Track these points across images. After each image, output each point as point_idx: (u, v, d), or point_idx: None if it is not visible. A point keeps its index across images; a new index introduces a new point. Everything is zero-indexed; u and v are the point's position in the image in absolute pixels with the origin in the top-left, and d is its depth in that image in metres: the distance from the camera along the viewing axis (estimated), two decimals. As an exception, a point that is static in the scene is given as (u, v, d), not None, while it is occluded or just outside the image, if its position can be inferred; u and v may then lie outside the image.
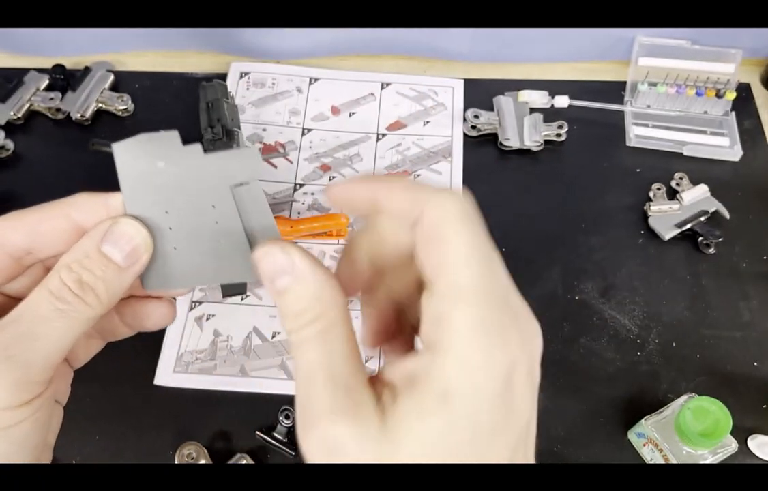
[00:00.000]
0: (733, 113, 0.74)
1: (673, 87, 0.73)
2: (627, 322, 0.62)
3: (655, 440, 0.52)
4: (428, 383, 0.20)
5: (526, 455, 0.22)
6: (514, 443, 0.21)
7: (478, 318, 0.20)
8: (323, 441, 0.21)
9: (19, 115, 0.74)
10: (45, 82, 0.76)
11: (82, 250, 0.25)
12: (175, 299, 0.30)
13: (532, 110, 0.74)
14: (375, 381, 0.23)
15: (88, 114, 0.74)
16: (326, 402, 0.21)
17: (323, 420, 0.21)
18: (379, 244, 0.25)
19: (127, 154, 0.27)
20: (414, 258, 0.23)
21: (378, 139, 0.74)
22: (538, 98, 0.75)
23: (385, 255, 0.25)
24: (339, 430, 0.21)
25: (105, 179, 0.80)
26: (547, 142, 0.73)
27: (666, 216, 0.67)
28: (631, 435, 0.56)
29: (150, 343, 0.61)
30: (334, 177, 0.71)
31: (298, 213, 0.69)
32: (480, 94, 0.77)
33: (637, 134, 0.73)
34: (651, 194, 0.69)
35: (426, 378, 0.20)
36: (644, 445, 0.55)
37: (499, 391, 0.20)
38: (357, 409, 0.21)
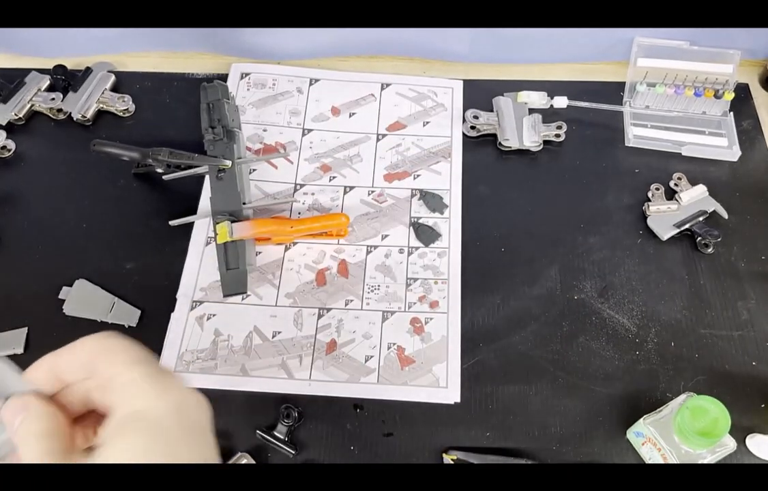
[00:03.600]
0: (732, 114, 0.74)
1: (672, 87, 0.73)
2: (626, 322, 0.63)
3: (654, 439, 0.53)
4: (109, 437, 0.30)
5: None
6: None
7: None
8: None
9: (21, 116, 0.74)
10: (46, 83, 0.76)
11: None
12: None
13: (531, 111, 0.75)
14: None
15: (89, 114, 0.74)
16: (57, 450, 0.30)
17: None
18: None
19: None
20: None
21: (378, 140, 0.74)
22: (537, 99, 0.75)
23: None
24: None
25: (105, 179, 0.81)
26: (546, 142, 0.73)
27: (664, 216, 0.67)
28: (630, 435, 0.56)
29: (151, 343, 0.61)
30: (334, 177, 0.71)
31: (299, 213, 0.69)
32: (479, 94, 0.77)
33: (636, 134, 0.73)
34: (650, 194, 0.69)
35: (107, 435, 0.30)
36: (643, 444, 0.55)
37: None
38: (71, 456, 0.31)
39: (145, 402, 0.30)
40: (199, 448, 0.32)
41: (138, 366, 0.32)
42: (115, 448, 0.29)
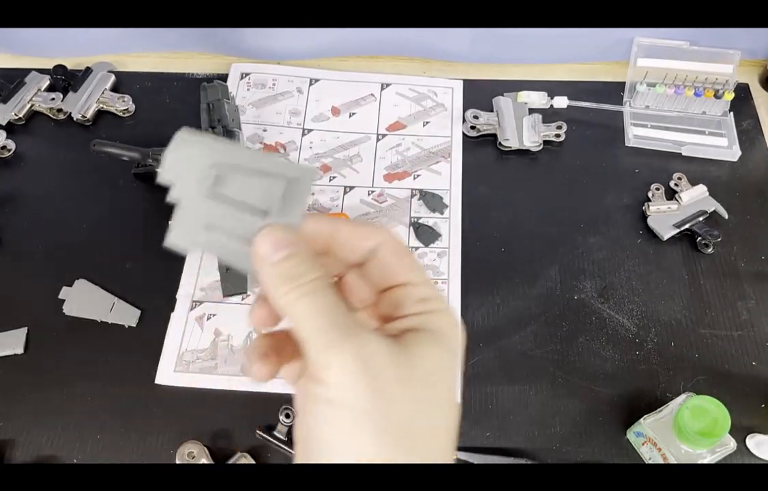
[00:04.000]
0: (732, 114, 0.74)
1: (672, 87, 0.73)
2: (626, 322, 0.63)
3: (654, 439, 0.53)
4: (430, 330, 0.28)
5: None
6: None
7: (444, 301, 0.30)
8: (358, 354, 0.25)
9: (21, 116, 0.74)
10: (46, 83, 0.76)
11: None
12: None
13: (531, 111, 0.75)
14: None
15: (89, 114, 0.74)
16: (354, 323, 0.26)
17: (359, 333, 0.25)
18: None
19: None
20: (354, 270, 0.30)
21: (378, 140, 0.74)
22: (537, 99, 0.75)
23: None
24: (373, 344, 0.25)
25: (105, 180, 0.81)
26: (546, 142, 0.73)
27: (665, 216, 0.67)
28: (630, 435, 0.56)
29: (151, 343, 0.61)
30: (334, 177, 0.71)
31: (299, 213, 0.69)
32: (479, 94, 0.77)
33: (636, 135, 0.73)
34: (650, 194, 0.69)
35: (427, 327, 0.28)
36: (643, 444, 0.55)
37: (461, 344, 0.29)
38: (379, 332, 0.26)
39: (452, 331, 0.29)
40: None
41: (436, 289, 0.30)
42: (425, 351, 0.27)
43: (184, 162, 0.28)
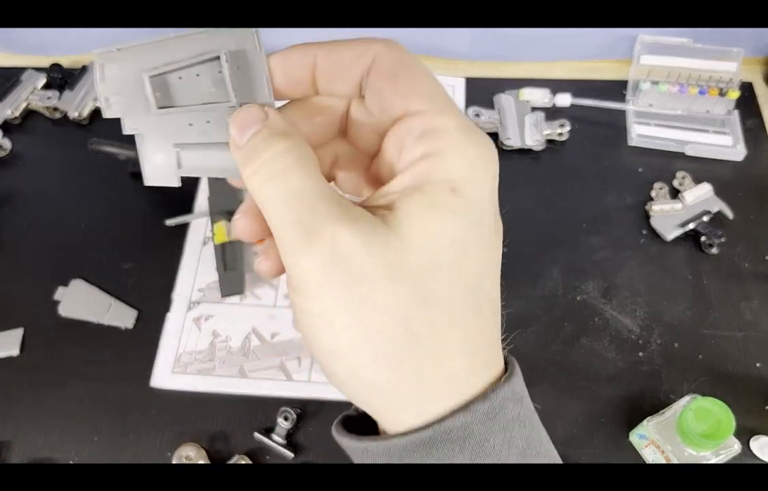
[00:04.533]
0: (736, 112, 0.73)
1: (675, 85, 0.73)
2: (628, 323, 0.62)
3: (657, 441, 0.52)
4: (433, 183, 0.21)
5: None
6: (498, 261, 0.22)
7: (465, 125, 0.21)
8: (329, 252, 0.20)
9: (17, 114, 0.73)
10: (42, 81, 0.76)
11: None
12: None
13: (534, 109, 0.74)
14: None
15: (86, 113, 0.73)
16: (324, 213, 0.20)
17: (326, 228, 0.20)
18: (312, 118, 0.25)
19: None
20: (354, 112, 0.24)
21: (378, 138, 0.74)
22: (540, 97, 0.74)
23: (317, 127, 0.25)
24: (345, 237, 0.20)
25: (102, 179, 0.80)
26: (548, 141, 0.72)
27: (668, 216, 0.67)
28: (633, 437, 0.56)
29: (148, 344, 0.60)
30: (333, 176, 0.71)
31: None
32: (481, 92, 0.76)
33: (639, 133, 0.73)
34: (653, 194, 0.69)
35: (430, 180, 0.21)
36: (646, 446, 0.54)
37: (492, 189, 0.22)
38: (358, 216, 0.21)
39: (471, 175, 0.21)
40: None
41: (457, 111, 0.22)
42: (422, 224, 0.20)
43: (119, 87, 0.25)
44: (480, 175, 0.21)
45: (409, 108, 0.22)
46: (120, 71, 0.25)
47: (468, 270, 0.21)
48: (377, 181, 0.24)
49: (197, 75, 0.25)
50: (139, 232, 0.66)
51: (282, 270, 0.23)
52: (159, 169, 0.25)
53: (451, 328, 0.21)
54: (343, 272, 0.20)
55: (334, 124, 0.25)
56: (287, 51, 0.25)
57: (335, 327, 0.21)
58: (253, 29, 0.26)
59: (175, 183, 0.25)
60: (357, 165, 0.26)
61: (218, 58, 0.24)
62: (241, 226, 0.24)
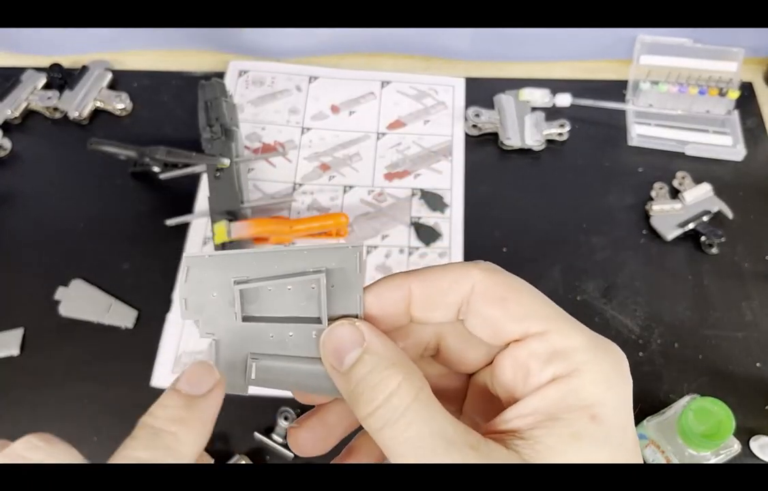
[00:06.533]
0: (736, 112, 0.73)
1: (675, 85, 0.73)
2: (629, 323, 0.62)
3: (657, 442, 0.52)
4: (572, 411, 0.20)
5: None
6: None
7: (592, 341, 0.21)
8: None
9: (17, 114, 0.73)
10: (42, 81, 0.76)
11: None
12: None
13: (534, 109, 0.74)
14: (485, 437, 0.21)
15: (86, 113, 0.73)
16: (458, 459, 0.19)
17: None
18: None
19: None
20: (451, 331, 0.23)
21: (378, 138, 0.74)
22: (540, 97, 0.74)
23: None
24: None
25: (102, 179, 0.80)
26: (548, 141, 0.72)
27: (668, 215, 0.67)
28: (633, 437, 0.56)
29: (148, 344, 0.60)
30: (333, 176, 0.71)
31: (298, 212, 0.68)
32: (481, 92, 0.76)
33: (639, 133, 0.73)
34: (653, 194, 0.68)
35: (567, 407, 0.20)
36: (646, 447, 0.54)
37: (630, 406, 0.21)
38: (494, 455, 0.20)
39: (608, 395, 0.20)
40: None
41: (580, 327, 0.21)
42: (564, 458, 0.20)
43: (202, 290, 0.24)
44: (617, 393, 0.21)
45: (528, 330, 0.21)
46: (206, 277, 0.24)
47: None
48: (480, 400, 0.24)
49: (289, 288, 0.24)
50: (139, 232, 0.66)
51: (325, 449, 0.23)
52: (232, 377, 0.25)
53: None
54: None
55: (421, 346, 0.25)
56: (381, 284, 0.24)
57: None
58: (359, 246, 0.24)
59: (246, 393, 0.25)
60: (448, 384, 0.25)
61: (316, 272, 0.23)
62: (302, 441, 0.24)
